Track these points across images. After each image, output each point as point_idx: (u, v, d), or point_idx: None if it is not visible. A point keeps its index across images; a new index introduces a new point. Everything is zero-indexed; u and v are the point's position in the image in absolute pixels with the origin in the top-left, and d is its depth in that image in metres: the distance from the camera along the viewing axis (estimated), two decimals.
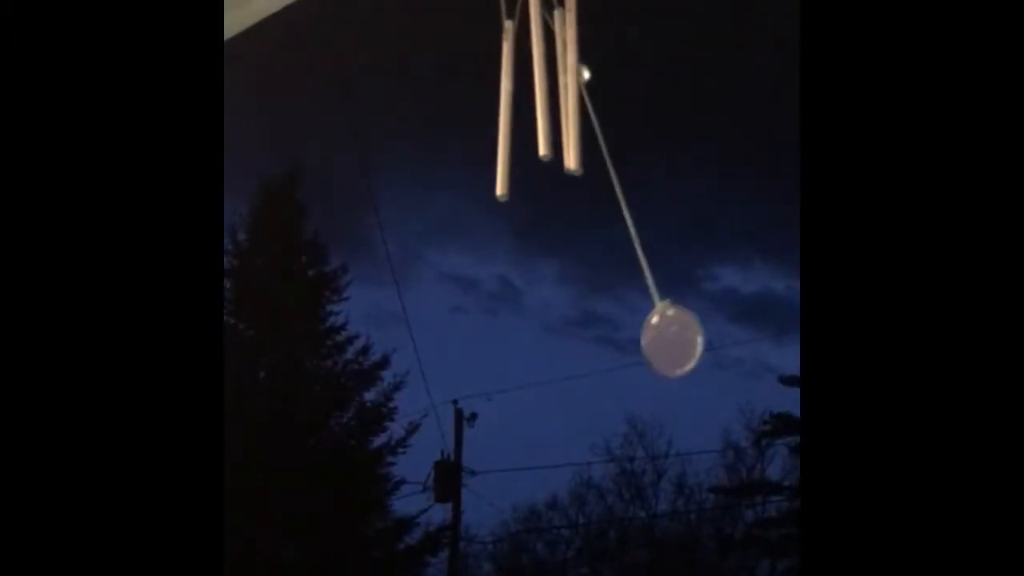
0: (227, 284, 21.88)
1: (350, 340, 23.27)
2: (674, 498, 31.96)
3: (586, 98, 2.84)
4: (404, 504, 23.54)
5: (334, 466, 21.47)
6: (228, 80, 2.54)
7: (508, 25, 2.94)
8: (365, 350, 23.24)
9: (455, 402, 24.97)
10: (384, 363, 23.15)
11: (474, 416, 25.12)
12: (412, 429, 23.30)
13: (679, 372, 2.75)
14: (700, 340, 2.75)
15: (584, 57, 2.88)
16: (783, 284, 34.20)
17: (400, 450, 23.14)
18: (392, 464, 23.17)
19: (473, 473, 24.95)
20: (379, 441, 23.13)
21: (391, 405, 23.08)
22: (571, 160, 2.78)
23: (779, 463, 29.85)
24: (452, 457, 24.79)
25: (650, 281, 2.79)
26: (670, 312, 2.76)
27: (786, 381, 26.57)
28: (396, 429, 23.13)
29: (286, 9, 3.30)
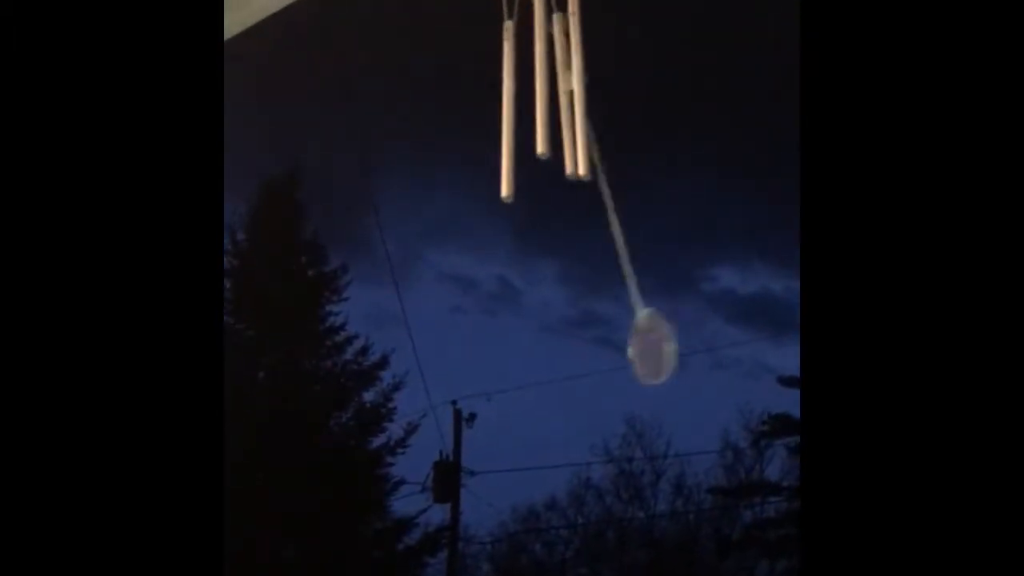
0: (227, 284, 21.87)
1: (349, 340, 23.28)
2: (673, 499, 31.98)
3: (576, 101, 2.84)
4: (403, 504, 23.55)
5: (334, 466, 21.47)
6: (228, 80, 2.54)
7: (508, 25, 2.94)
8: (364, 350, 23.25)
9: (454, 402, 24.99)
10: (383, 363, 23.16)
11: (473, 416, 25.14)
12: (411, 429, 23.32)
13: (654, 382, 2.79)
14: (672, 352, 2.78)
15: (584, 58, 2.88)
16: (781, 285, 34.20)
17: (399, 450, 23.15)
18: (391, 464, 23.19)
19: (472, 473, 24.96)
20: (378, 441, 23.14)
21: (390, 405, 23.09)
22: (580, 167, 2.79)
23: (778, 464, 29.86)
24: (451, 457, 24.79)
25: (634, 289, 2.80)
26: (649, 321, 2.79)
27: (785, 382, 26.56)
28: (395, 429, 23.15)
29: (286, 9, 3.30)
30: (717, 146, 30.51)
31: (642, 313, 2.80)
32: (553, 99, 2.84)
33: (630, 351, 2.78)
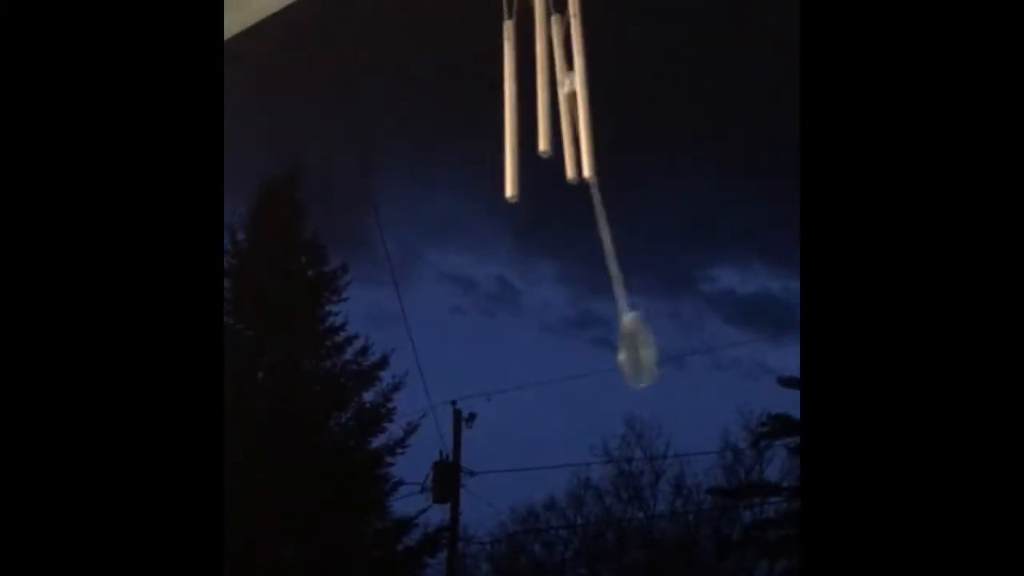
0: (226, 284, 21.86)
1: (349, 340, 23.27)
2: (672, 499, 31.98)
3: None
4: (403, 505, 23.54)
5: (333, 466, 21.47)
6: (228, 80, 2.54)
7: (508, 25, 2.94)
8: (364, 350, 23.24)
9: (454, 403, 24.97)
10: (383, 363, 23.15)
11: (472, 417, 25.13)
12: (411, 430, 23.30)
13: (639, 385, 2.83)
14: (649, 357, 2.82)
15: (585, 59, 2.88)
16: (780, 285, 34.19)
17: (399, 451, 23.14)
18: (391, 465, 23.17)
19: (471, 474, 24.95)
20: (378, 442, 23.14)
21: (390, 405, 23.08)
22: (585, 169, 2.79)
23: (777, 464, 29.86)
24: (451, 458, 24.78)
25: (620, 292, 2.82)
26: (632, 325, 2.82)
27: (784, 382, 26.55)
28: (395, 430, 23.14)
29: (286, 9, 3.31)
30: (717, 146, 30.52)
31: (627, 317, 2.82)
32: (555, 98, 2.85)
33: (619, 355, 2.81)
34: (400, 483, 23.42)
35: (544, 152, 2.79)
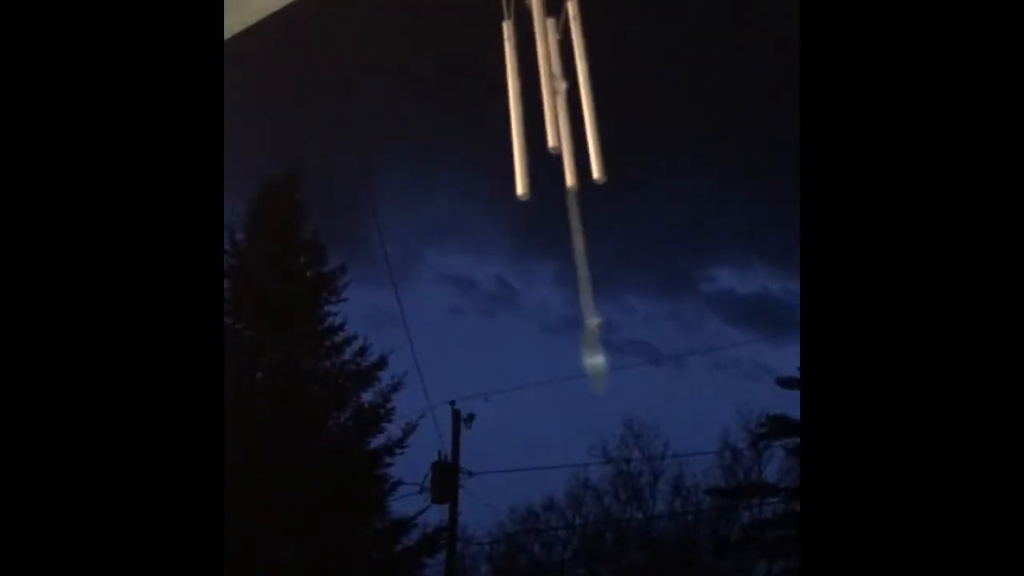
0: (226, 284, 21.85)
1: (348, 341, 23.24)
2: (671, 499, 31.99)
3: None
4: (401, 505, 23.50)
5: (333, 466, 21.45)
6: (228, 80, 2.54)
7: (507, 25, 2.94)
8: (363, 351, 23.20)
9: (452, 403, 24.93)
10: (382, 364, 23.10)
11: (471, 417, 25.09)
12: (409, 430, 23.26)
13: (599, 391, 2.89)
14: (594, 366, 2.86)
15: (586, 60, 2.89)
16: (780, 285, 34.20)
17: (398, 451, 23.10)
18: (390, 465, 23.14)
19: (470, 474, 24.92)
20: (377, 442, 23.11)
21: (389, 406, 23.04)
22: (595, 170, 2.80)
23: (776, 465, 29.84)
24: (449, 458, 24.75)
25: (588, 299, 2.85)
26: (595, 332, 2.86)
27: (783, 383, 26.54)
28: (394, 430, 23.11)
29: (286, 8, 3.31)
30: (717, 146, 30.53)
31: (592, 322, 2.85)
32: (556, 97, 2.85)
33: (593, 359, 2.84)
34: (399, 483, 23.40)
35: (554, 148, 2.80)
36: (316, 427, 22.56)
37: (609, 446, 32.11)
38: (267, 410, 20.92)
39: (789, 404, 25.63)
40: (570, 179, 2.83)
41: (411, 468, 23.89)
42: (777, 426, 28.02)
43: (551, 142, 2.80)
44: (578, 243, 2.82)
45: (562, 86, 2.84)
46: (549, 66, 2.88)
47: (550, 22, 2.90)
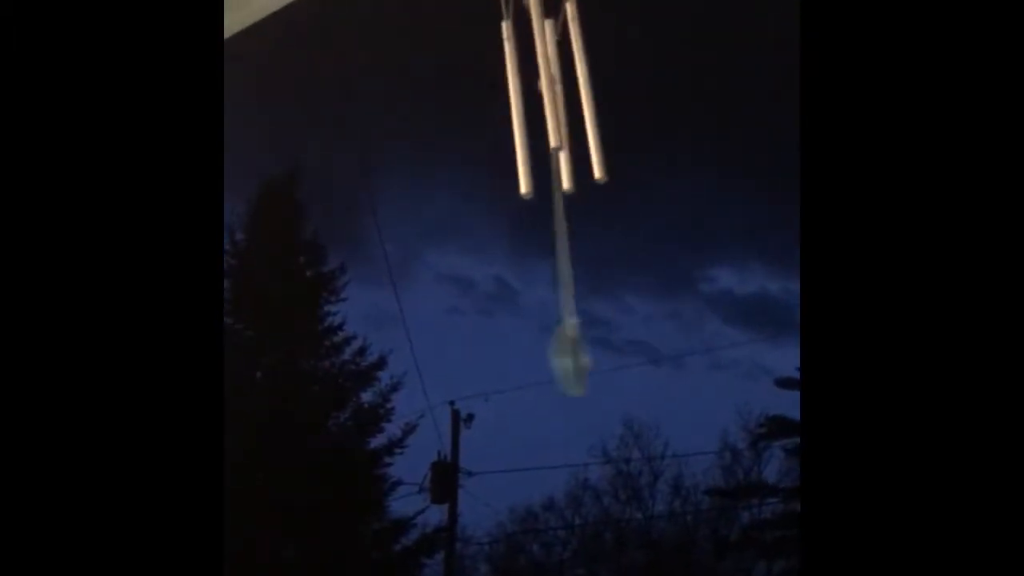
0: (226, 284, 21.84)
1: (348, 340, 23.25)
2: (670, 499, 31.99)
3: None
4: (401, 505, 23.51)
5: (332, 466, 21.45)
6: (228, 80, 2.54)
7: (506, 25, 2.94)
8: (363, 351, 23.21)
9: (452, 403, 24.94)
10: (381, 364, 23.12)
11: (471, 417, 25.09)
12: (409, 430, 23.27)
13: (573, 394, 2.90)
14: (561, 368, 2.87)
15: (586, 61, 2.89)
16: (779, 285, 34.20)
17: (397, 451, 23.11)
18: (389, 465, 23.16)
19: (470, 474, 24.92)
20: (376, 442, 23.12)
21: (388, 406, 23.05)
22: (597, 170, 2.80)
23: (775, 465, 29.85)
24: (449, 458, 24.76)
25: (569, 299, 2.87)
26: (575, 335, 2.87)
27: (782, 383, 26.53)
28: (393, 430, 23.12)
29: (286, 8, 3.31)
30: (717, 146, 30.51)
31: (570, 322, 2.86)
32: (557, 96, 2.86)
33: (561, 360, 2.86)
34: (398, 483, 23.41)
35: (556, 148, 2.80)
36: (316, 427, 22.57)
37: (608, 446, 32.13)
38: (267, 410, 20.92)
39: (788, 404, 25.63)
40: (566, 182, 2.83)
41: (410, 468, 23.89)
42: (776, 426, 28.01)
43: (553, 142, 2.80)
44: (562, 245, 2.82)
45: (559, 88, 2.84)
46: (548, 68, 2.88)
47: (548, 23, 2.90)
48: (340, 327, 23.37)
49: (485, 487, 25.58)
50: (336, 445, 22.74)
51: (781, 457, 29.10)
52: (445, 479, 24.49)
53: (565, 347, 2.82)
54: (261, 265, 22.88)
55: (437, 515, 24.47)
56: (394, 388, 23.12)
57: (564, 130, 2.82)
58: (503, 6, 2.94)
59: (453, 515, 24.80)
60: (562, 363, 2.82)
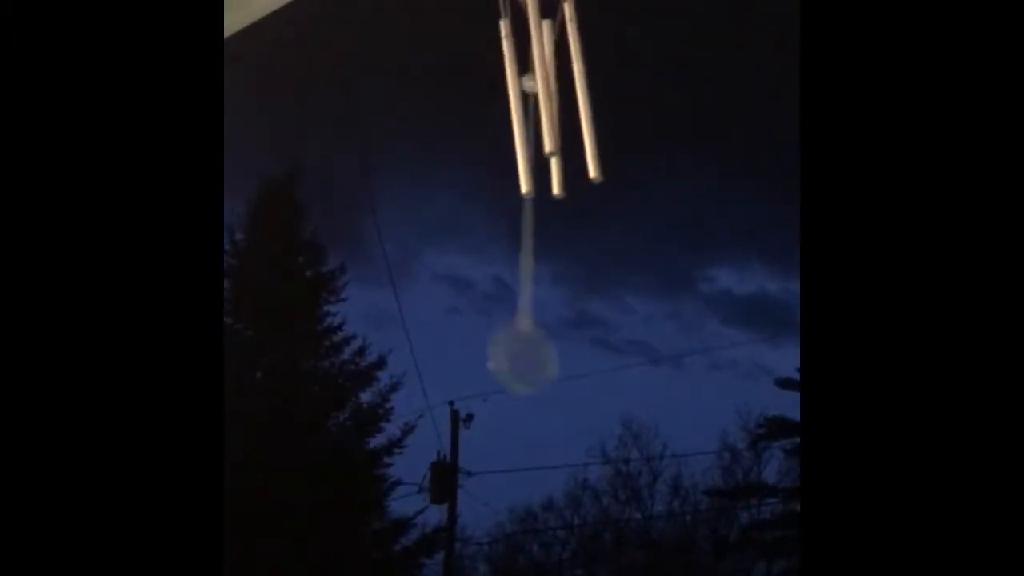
0: (226, 284, 21.83)
1: (347, 340, 23.23)
2: (670, 500, 31.99)
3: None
4: (400, 505, 23.49)
5: (332, 466, 21.45)
6: (228, 80, 2.54)
7: (504, 24, 2.94)
8: (362, 351, 23.19)
9: (451, 403, 24.93)
10: (381, 364, 23.09)
11: (470, 417, 25.08)
12: (408, 430, 23.25)
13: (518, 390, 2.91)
14: (498, 373, 2.89)
15: (583, 61, 2.89)
16: (778, 286, 34.19)
17: (396, 451, 23.10)
18: (389, 465, 23.14)
19: (469, 474, 24.91)
20: (376, 442, 23.11)
21: (387, 406, 23.03)
22: (592, 169, 2.80)
23: (775, 465, 29.85)
24: (448, 458, 24.75)
25: (526, 304, 2.89)
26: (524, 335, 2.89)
27: (782, 384, 26.53)
28: (392, 430, 23.10)
29: (286, 8, 3.30)
30: (717, 146, 30.51)
31: (525, 323, 2.88)
32: (552, 99, 2.85)
33: (503, 361, 2.87)
34: (398, 483, 23.39)
35: (550, 153, 2.80)
36: (316, 427, 22.56)
37: (608, 446, 32.12)
38: (267, 410, 20.91)
39: (788, 405, 25.63)
40: (557, 187, 2.83)
41: (410, 468, 23.88)
42: (776, 427, 28.01)
43: (547, 147, 2.79)
44: (527, 245, 2.83)
45: (554, 91, 2.84)
46: (544, 71, 2.87)
47: (546, 24, 2.89)
48: (340, 327, 23.35)
49: (484, 487, 25.58)
50: (336, 445, 22.73)
51: (781, 457, 29.10)
52: (444, 479, 24.49)
53: (510, 346, 2.83)
54: (261, 265, 22.86)
55: (436, 515, 24.46)
56: (393, 388, 23.11)
57: (558, 136, 2.81)
58: (500, 4, 2.93)
59: (452, 515, 24.81)
60: (498, 363, 2.83)
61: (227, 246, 22.14)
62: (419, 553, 23.74)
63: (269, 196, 23.14)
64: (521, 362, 2.84)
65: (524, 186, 2.82)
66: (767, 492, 29.74)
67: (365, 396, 23.20)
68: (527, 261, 2.84)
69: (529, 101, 2.84)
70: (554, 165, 2.81)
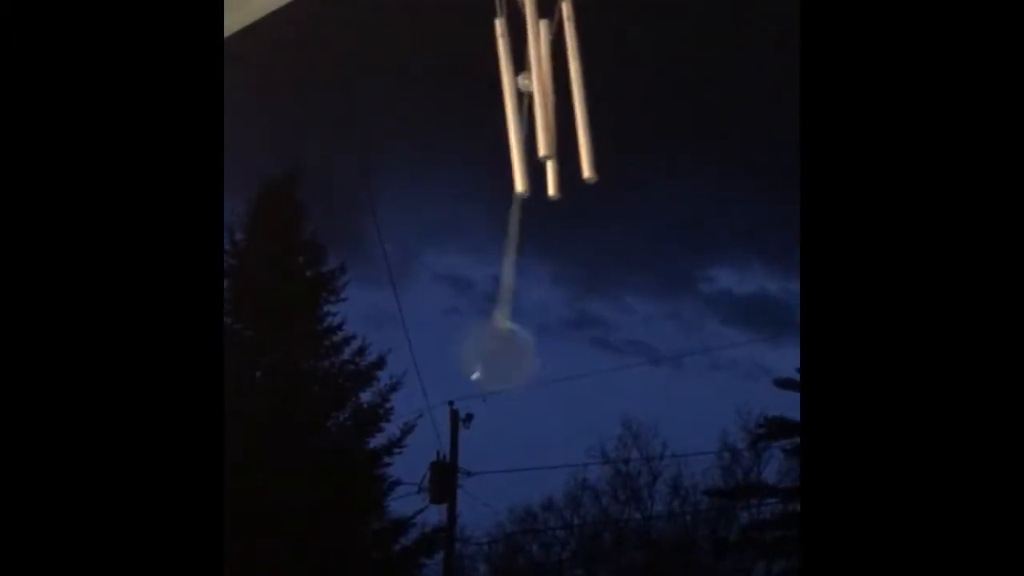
0: (226, 284, 21.83)
1: (347, 340, 23.25)
2: (669, 500, 31.99)
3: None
4: (400, 505, 23.51)
5: (332, 466, 21.46)
6: (228, 80, 2.54)
7: (500, 23, 2.93)
8: (362, 351, 23.21)
9: (451, 403, 24.93)
10: (380, 364, 23.11)
11: (470, 417, 25.08)
12: (408, 430, 23.27)
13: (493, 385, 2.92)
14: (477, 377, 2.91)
15: (584, 58, 2.89)
16: (778, 286, 34.18)
17: (396, 451, 23.12)
18: (388, 465, 23.16)
19: (469, 474, 24.92)
20: (376, 442, 23.12)
21: (387, 406, 23.05)
22: (586, 169, 2.80)
23: (774, 465, 29.85)
24: (448, 458, 24.75)
25: (505, 307, 2.91)
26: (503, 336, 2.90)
27: (781, 384, 26.53)
28: (392, 430, 23.11)
29: (286, 8, 3.30)
30: (717, 146, 30.50)
31: (504, 324, 2.88)
32: (547, 100, 2.85)
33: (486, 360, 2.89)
34: (397, 483, 23.41)
35: (544, 156, 2.79)
36: (315, 427, 22.57)
37: (607, 446, 32.12)
38: (267, 410, 20.92)
39: (788, 405, 25.63)
40: (553, 188, 2.83)
41: (410, 468, 23.89)
42: (776, 427, 28.01)
43: (541, 151, 2.79)
44: (511, 247, 2.84)
45: (550, 92, 2.84)
46: (540, 73, 2.87)
47: (543, 23, 2.89)
48: (340, 327, 23.37)
49: (484, 487, 25.59)
50: (336, 445, 22.74)
51: (780, 457, 29.11)
52: (444, 479, 24.50)
53: (484, 345, 2.84)
54: (261, 265, 22.87)
55: (436, 515, 24.47)
56: (393, 388, 23.12)
57: (553, 138, 2.81)
58: (496, 2, 2.93)
59: (452, 515, 24.82)
60: (471, 367, 2.85)
61: (227, 246, 22.15)
62: (419, 553, 23.75)
63: (269, 196, 23.15)
64: (496, 361, 2.84)
65: (519, 185, 2.82)
66: (767, 492, 29.75)
67: (365, 396, 23.22)
68: (511, 258, 2.84)
69: (524, 100, 2.84)
70: (550, 168, 2.81)
